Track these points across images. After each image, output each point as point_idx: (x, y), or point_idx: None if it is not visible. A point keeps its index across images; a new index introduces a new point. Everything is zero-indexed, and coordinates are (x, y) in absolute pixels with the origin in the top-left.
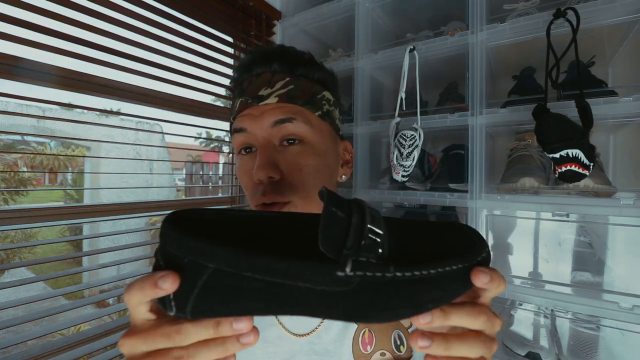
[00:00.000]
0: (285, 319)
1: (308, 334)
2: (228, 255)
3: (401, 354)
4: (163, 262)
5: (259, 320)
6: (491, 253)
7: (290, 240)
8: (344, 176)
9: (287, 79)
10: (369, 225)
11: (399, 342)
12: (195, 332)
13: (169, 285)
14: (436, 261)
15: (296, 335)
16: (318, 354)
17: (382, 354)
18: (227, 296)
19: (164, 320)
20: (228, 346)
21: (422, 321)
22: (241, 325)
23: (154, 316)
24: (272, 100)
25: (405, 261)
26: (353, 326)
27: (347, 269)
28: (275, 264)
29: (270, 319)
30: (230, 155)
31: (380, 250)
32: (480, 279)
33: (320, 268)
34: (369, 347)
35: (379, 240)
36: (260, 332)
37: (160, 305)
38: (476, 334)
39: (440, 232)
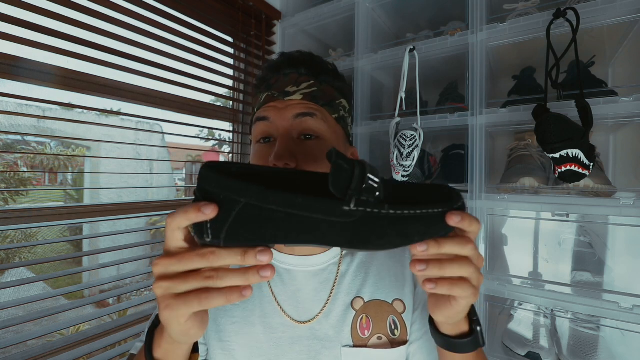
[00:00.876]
0: (289, 307)
1: (310, 320)
2: (257, 191)
3: (396, 337)
4: (202, 197)
5: (264, 309)
6: (466, 205)
7: (304, 189)
8: None
9: (312, 81)
10: (368, 175)
11: (393, 327)
12: (227, 255)
13: (210, 211)
14: (421, 205)
15: (299, 322)
16: (319, 339)
17: (379, 338)
18: (255, 224)
19: (197, 247)
20: (249, 276)
21: (420, 249)
22: (264, 257)
23: (186, 245)
24: (297, 97)
25: (397, 205)
26: (352, 312)
27: (352, 205)
28: (295, 198)
29: (275, 308)
30: (231, 155)
31: (377, 194)
32: (452, 219)
33: (331, 202)
34: (366, 331)
35: (376, 186)
36: (265, 319)
37: (197, 234)
38: (464, 258)
39: (425, 190)
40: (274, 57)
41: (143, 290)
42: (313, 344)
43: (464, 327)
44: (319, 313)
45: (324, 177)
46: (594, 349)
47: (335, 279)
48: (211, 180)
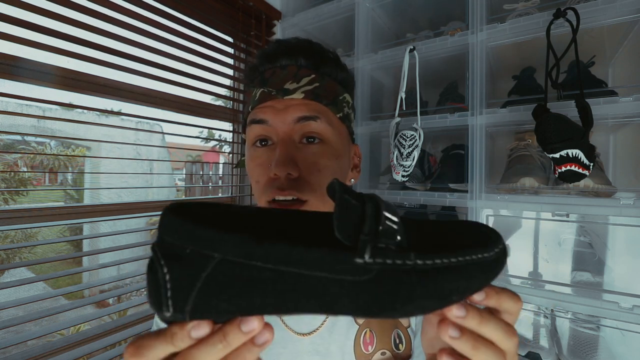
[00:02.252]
0: (289, 318)
1: (311, 332)
2: (237, 242)
3: (400, 352)
4: (161, 255)
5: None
6: (507, 248)
7: (300, 237)
8: (352, 180)
9: (313, 75)
10: (384, 213)
11: (398, 341)
12: (200, 350)
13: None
14: (456, 251)
15: (299, 334)
16: (321, 354)
17: (383, 354)
18: (234, 290)
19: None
20: (244, 355)
21: (457, 313)
22: (250, 326)
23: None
24: (298, 95)
25: (425, 252)
26: (355, 327)
27: (366, 256)
28: (291, 250)
29: (274, 319)
30: (231, 155)
31: (398, 237)
32: (490, 296)
33: (339, 255)
34: (370, 347)
35: (395, 227)
36: None
37: (154, 305)
38: (499, 349)
39: (453, 228)
40: (269, 45)
41: (143, 290)
42: (315, 359)
43: None
44: (321, 325)
45: (328, 218)
46: (594, 349)
47: None
48: (172, 228)
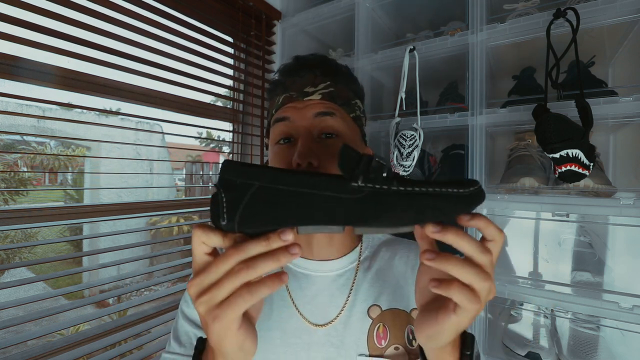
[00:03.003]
0: (305, 310)
1: (326, 324)
2: (270, 173)
3: (413, 347)
4: (222, 187)
5: (281, 314)
6: (484, 191)
7: None
8: None
9: (329, 82)
10: (376, 158)
11: (411, 337)
12: (251, 245)
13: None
14: (434, 185)
15: (315, 325)
16: (335, 346)
17: (396, 348)
18: (268, 206)
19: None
20: (279, 256)
21: (432, 228)
22: (287, 236)
23: (211, 258)
24: (316, 97)
25: (407, 183)
26: (368, 321)
27: (359, 181)
28: (306, 177)
29: (291, 312)
30: (230, 155)
31: (384, 174)
32: (464, 217)
33: (340, 180)
34: (383, 341)
35: (384, 164)
36: (281, 323)
37: (213, 217)
38: (477, 265)
39: (436, 180)
40: (288, 61)
41: (143, 290)
42: (329, 351)
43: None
44: (335, 318)
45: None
46: (594, 349)
47: (352, 286)
48: (230, 169)
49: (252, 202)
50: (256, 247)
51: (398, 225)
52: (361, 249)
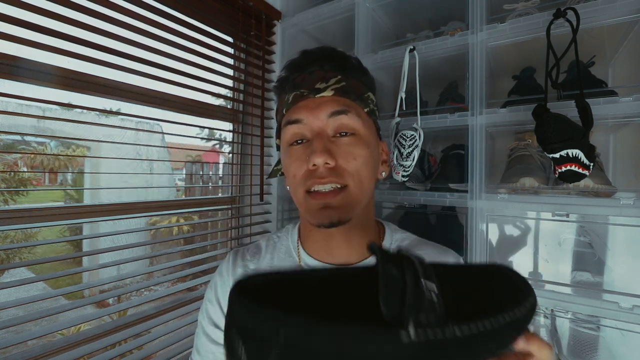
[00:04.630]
0: None
1: None
2: (299, 326)
3: None
4: (239, 333)
5: None
6: (537, 299)
7: (347, 297)
8: (383, 173)
9: (339, 76)
10: (423, 280)
11: None
12: None
13: None
14: (488, 312)
15: None
16: None
17: None
18: None
19: None
20: None
21: None
22: None
23: None
24: (329, 93)
25: (455, 313)
26: None
27: (411, 331)
28: (341, 336)
29: None
30: (230, 155)
31: (437, 309)
32: (519, 344)
33: (383, 335)
34: None
35: (435, 299)
36: None
37: None
38: None
39: (478, 275)
40: (295, 56)
41: (143, 290)
42: None
43: None
44: None
45: (368, 274)
46: (594, 349)
47: None
48: (246, 311)
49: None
50: None
51: None
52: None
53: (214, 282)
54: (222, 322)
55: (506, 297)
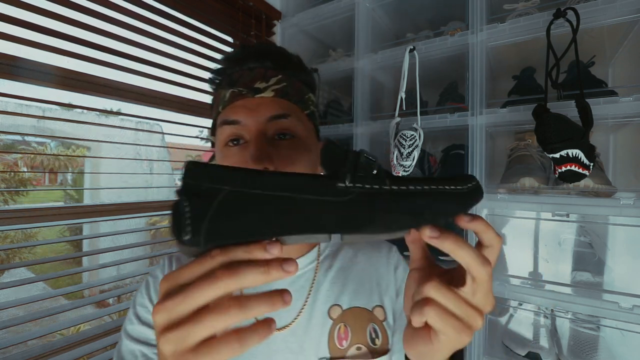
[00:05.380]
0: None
1: (282, 328)
2: (242, 175)
3: (376, 347)
4: (184, 194)
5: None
6: (482, 187)
7: None
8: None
9: (280, 76)
10: (364, 154)
11: (374, 336)
12: (236, 251)
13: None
14: (429, 182)
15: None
16: (294, 352)
17: (358, 348)
18: (240, 214)
19: None
20: (271, 270)
21: (429, 233)
22: (274, 249)
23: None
24: (269, 94)
25: (400, 181)
26: (329, 322)
27: (347, 180)
28: (285, 179)
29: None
30: None
31: (375, 171)
32: (463, 219)
33: (324, 180)
34: (344, 342)
35: (373, 160)
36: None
37: (175, 231)
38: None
39: (431, 177)
40: (235, 50)
41: None
42: (288, 357)
43: None
44: (293, 322)
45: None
46: (594, 349)
47: (312, 286)
48: (193, 171)
49: (221, 210)
50: (242, 254)
51: (392, 231)
52: (320, 248)
53: (145, 285)
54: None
55: (449, 180)
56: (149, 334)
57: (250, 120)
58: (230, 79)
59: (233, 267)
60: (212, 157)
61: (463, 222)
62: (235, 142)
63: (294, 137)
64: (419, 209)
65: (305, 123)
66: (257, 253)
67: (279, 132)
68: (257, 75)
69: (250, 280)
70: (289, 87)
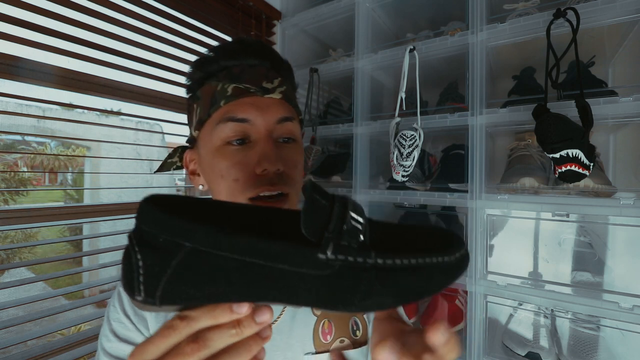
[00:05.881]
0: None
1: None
2: (207, 232)
3: (357, 338)
4: (136, 242)
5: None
6: (469, 254)
7: (271, 232)
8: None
9: (280, 78)
10: (351, 213)
11: (355, 328)
12: (202, 315)
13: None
14: (417, 254)
15: None
16: (280, 348)
17: (341, 341)
18: (202, 277)
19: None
20: (244, 330)
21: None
22: (241, 309)
23: None
24: (277, 95)
25: (386, 252)
26: (313, 318)
27: (329, 252)
28: (256, 243)
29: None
30: None
31: (361, 237)
32: (436, 335)
33: (302, 249)
34: (328, 336)
35: (360, 227)
36: None
37: (127, 288)
38: None
39: (419, 232)
40: (229, 42)
41: None
42: (274, 355)
43: None
44: (277, 319)
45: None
46: (594, 349)
47: None
48: (148, 217)
49: (180, 271)
50: (206, 321)
51: (372, 310)
52: None
53: (117, 297)
54: (131, 336)
55: (438, 247)
56: (128, 351)
57: (261, 120)
58: (231, 73)
59: (200, 336)
60: (173, 154)
61: (436, 336)
62: (239, 141)
63: (295, 141)
64: (403, 291)
65: (298, 127)
66: (223, 318)
67: (284, 136)
68: (260, 74)
69: (222, 344)
70: (289, 92)
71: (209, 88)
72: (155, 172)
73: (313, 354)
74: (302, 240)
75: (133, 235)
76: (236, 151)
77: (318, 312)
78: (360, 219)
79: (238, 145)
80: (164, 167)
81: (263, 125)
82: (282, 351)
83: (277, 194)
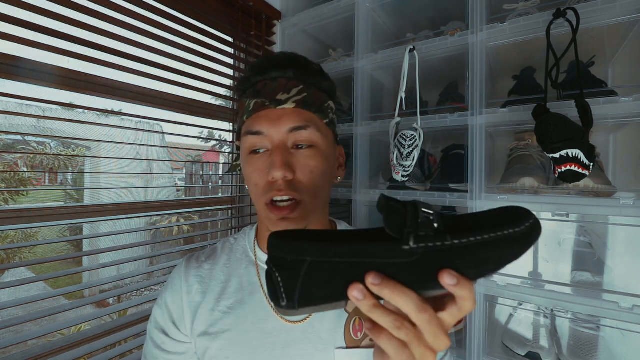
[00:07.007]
0: None
1: (302, 321)
2: (319, 248)
3: None
4: (273, 265)
5: (258, 315)
6: (539, 222)
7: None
8: (339, 178)
9: (301, 86)
10: (422, 209)
11: None
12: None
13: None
14: (487, 230)
15: (291, 322)
16: (312, 342)
17: (372, 339)
18: (324, 280)
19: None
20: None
21: (371, 280)
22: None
23: None
24: (290, 105)
25: (460, 234)
26: (344, 315)
27: (411, 242)
28: (355, 247)
29: (267, 312)
30: (231, 155)
31: (435, 225)
32: (446, 278)
33: (389, 245)
34: (359, 333)
35: (431, 218)
36: (258, 324)
37: (273, 299)
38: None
39: (489, 215)
40: (259, 59)
41: (143, 290)
42: (306, 347)
43: None
44: (310, 315)
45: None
46: (594, 349)
47: None
48: (278, 246)
49: (307, 280)
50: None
51: None
52: None
53: (165, 287)
54: (167, 327)
55: (506, 221)
56: (162, 340)
57: (272, 131)
58: (254, 89)
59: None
60: (238, 157)
61: (447, 283)
62: (259, 151)
63: (311, 147)
64: (483, 261)
65: (323, 132)
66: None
67: (298, 143)
68: (279, 86)
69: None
70: (309, 97)
71: (242, 105)
72: (225, 172)
73: (344, 348)
74: (390, 240)
75: (270, 262)
76: (256, 159)
77: (350, 309)
78: (431, 212)
79: (259, 154)
80: (232, 168)
81: (275, 135)
82: (313, 344)
83: (287, 199)
